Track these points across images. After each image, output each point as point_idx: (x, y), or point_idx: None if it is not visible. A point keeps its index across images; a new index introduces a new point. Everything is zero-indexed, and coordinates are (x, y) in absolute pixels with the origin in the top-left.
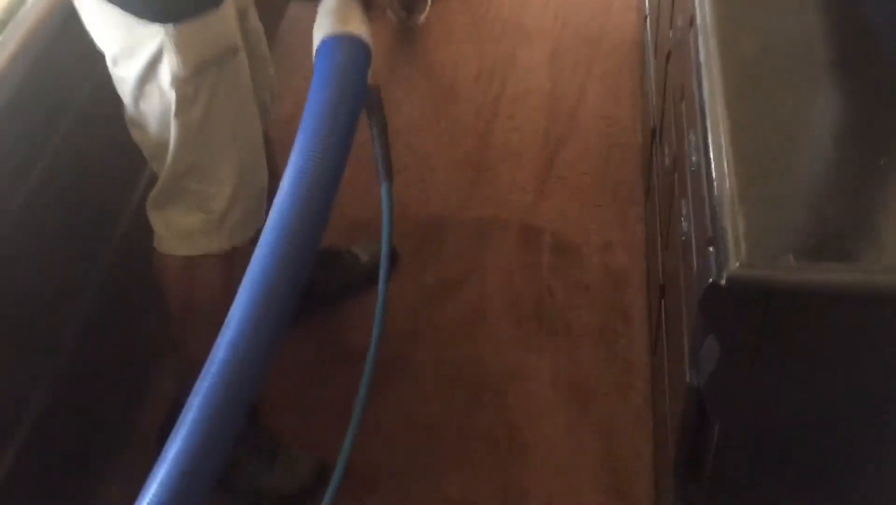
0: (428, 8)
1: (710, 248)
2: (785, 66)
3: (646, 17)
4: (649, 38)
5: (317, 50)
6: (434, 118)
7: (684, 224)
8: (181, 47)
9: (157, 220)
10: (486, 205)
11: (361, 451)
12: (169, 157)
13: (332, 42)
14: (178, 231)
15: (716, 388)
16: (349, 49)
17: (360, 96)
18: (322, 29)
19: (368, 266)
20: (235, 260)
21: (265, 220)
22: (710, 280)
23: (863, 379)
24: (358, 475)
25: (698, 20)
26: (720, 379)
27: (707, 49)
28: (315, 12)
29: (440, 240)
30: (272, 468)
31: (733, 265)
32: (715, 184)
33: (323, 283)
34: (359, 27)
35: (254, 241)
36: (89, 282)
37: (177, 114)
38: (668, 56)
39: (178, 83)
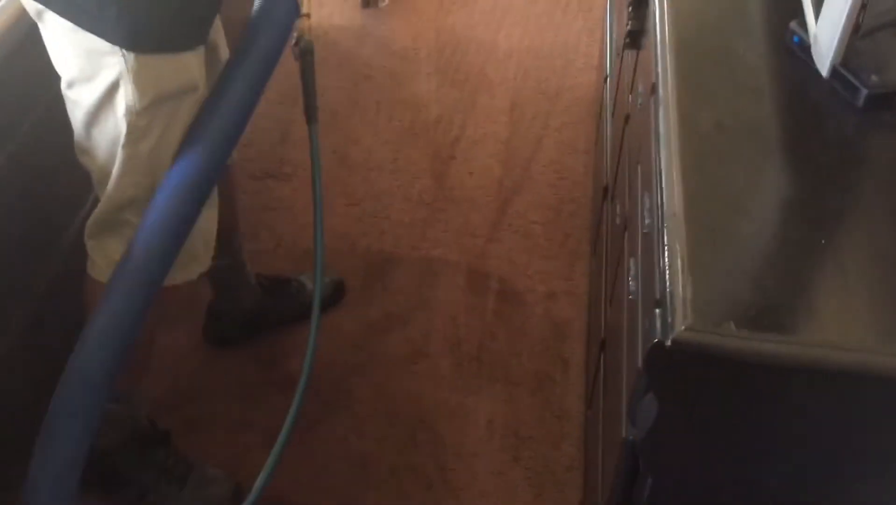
0: None
1: (657, 310)
2: (738, 142)
3: (605, 79)
4: (608, 98)
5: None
6: (391, 156)
7: (632, 283)
8: (139, 79)
9: (93, 246)
10: (437, 245)
11: (292, 478)
12: (110, 187)
13: None
14: (113, 261)
15: (651, 443)
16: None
17: (281, 41)
18: None
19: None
20: (172, 298)
21: (210, 265)
22: (656, 340)
23: (791, 444)
24: (289, 504)
25: (660, 91)
26: (656, 435)
27: (667, 119)
28: None
29: (389, 275)
30: (181, 491)
31: (679, 328)
32: (666, 248)
33: (269, 309)
34: None
35: (196, 282)
36: (31, 296)
37: (125, 145)
38: (627, 119)
39: (132, 115)
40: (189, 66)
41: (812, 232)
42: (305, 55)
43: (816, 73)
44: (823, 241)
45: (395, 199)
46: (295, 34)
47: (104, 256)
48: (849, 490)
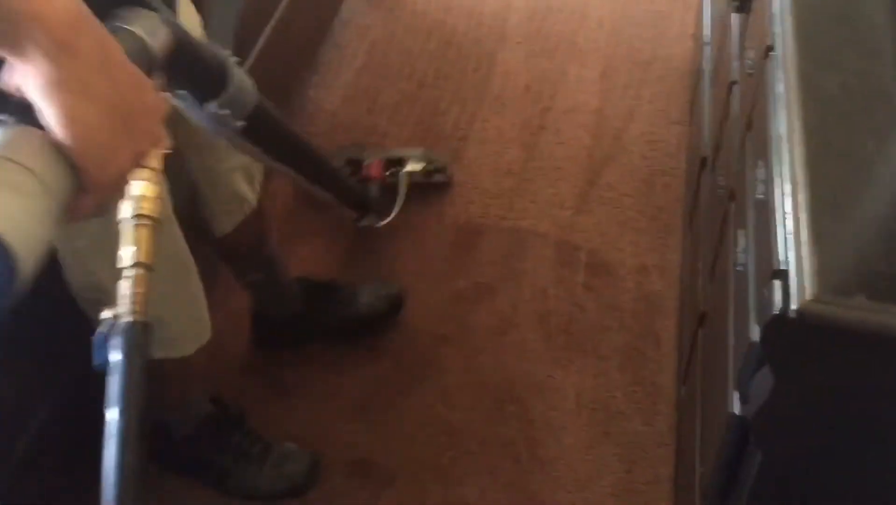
0: (394, 213)
1: (776, 281)
2: (864, 106)
3: (705, 46)
4: (707, 65)
5: None
6: (479, 125)
7: (741, 256)
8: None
9: (91, 312)
10: (526, 216)
11: (381, 447)
12: (66, 275)
13: None
14: None
15: (764, 419)
16: None
17: None
18: None
19: (368, 307)
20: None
21: (210, 332)
22: (776, 312)
23: None
24: (376, 470)
25: (778, 52)
26: (770, 410)
27: (786, 82)
28: None
29: (477, 246)
30: (262, 470)
31: (803, 299)
32: (787, 217)
33: (311, 318)
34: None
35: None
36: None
37: (60, 243)
38: (731, 86)
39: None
40: None
41: None
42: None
43: None
44: None
45: (484, 169)
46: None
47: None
48: None
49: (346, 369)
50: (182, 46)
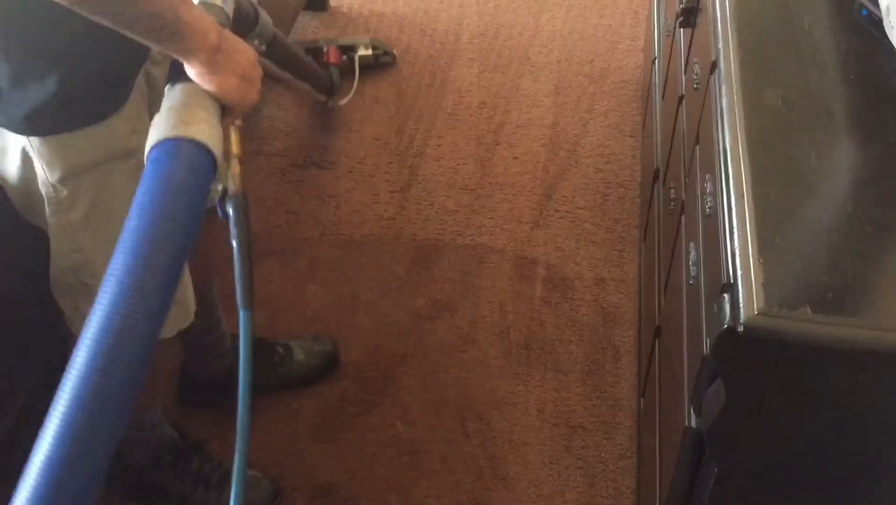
0: (353, 91)
1: (725, 295)
2: (807, 119)
3: (654, 60)
4: (657, 80)
5: (148, 155)
6: (434, 142)
7: (692, 268)
8: (44, 156)
9: (65, 304)
10: (483, 232)
11: (343, 468)
12: (52, 253)
13: (166, 146)
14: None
15: (719, 431)
16: (187, 156)
17: (196, 213)
18: (158, 129)
19: (302, 365)
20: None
21: (192, 317)
22: (725, 326)
23: (866, 435)
24: (338, 493)
25: (721, 67)
26: (724, 422)
27: (730, 97)
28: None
29: (435, 263)
30: (221, 497)
31: (750, 312)
32: (734, 230)
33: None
34: (204, 130)
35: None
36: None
37: (52, 214)
38: (680, 100)
39: (48, 186)
40: (111, 134)
41: (888, 212)
42: (238, 213)
43: (889, 46)
44: None
45: (439, 185)
46: (218, 186)
47: (76, 310)
48: None
49: (304, 391)
50: (237, 4)
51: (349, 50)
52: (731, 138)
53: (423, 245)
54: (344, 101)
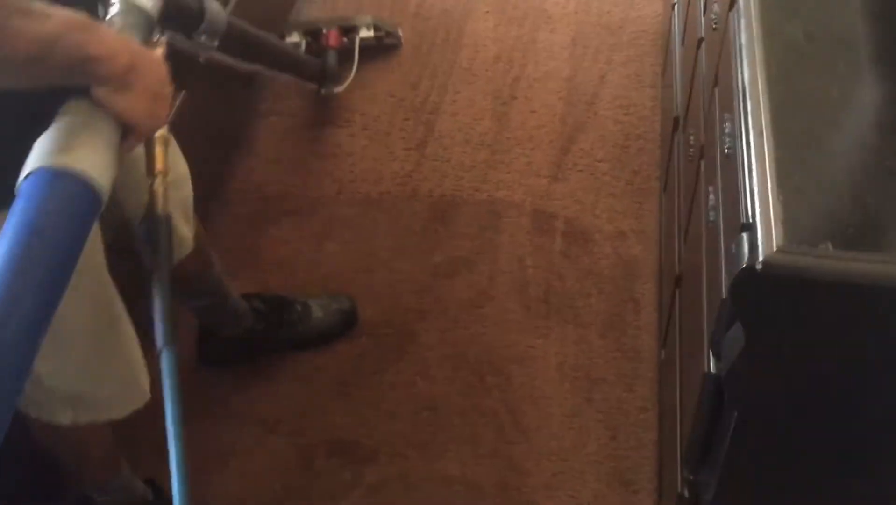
0: (351, 79)
1: (744, 234)
2: (828, 54)
3: (673, 6)
4: (677, 26)
5: (19, 185)
6: (450, 98)
7: (711, 212)
8: None
9: None
10: (500, 187)
11: (362, 425)
12: None
13: (39, 177)
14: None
15: (737, 375)
16: (62, 190)
17: (67, 257)
18: (36, 153)
19: (321, 323)
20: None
21: (147, 396)
22: (744, 265)
23: (891, 375)
24: (357, 449)
25: (740, 3)
26: (743, 366)
27: (749, 32)
28: None
29: (452, 219)
30: None
31: (769, 250)
32: (753, 168)
33: (262, 335)
34: (86, 158)
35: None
36: None
37: None
38: (699, 43)
39: None
40: None
41: None
42: (158, 238)
43: None
44: None
45: (456, 141)
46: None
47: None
48: None
49: (323, 349)
50: (168, 2)
51: (350, 31)
52: (749, 75)
53: (440, 202)
54: (340, 89)
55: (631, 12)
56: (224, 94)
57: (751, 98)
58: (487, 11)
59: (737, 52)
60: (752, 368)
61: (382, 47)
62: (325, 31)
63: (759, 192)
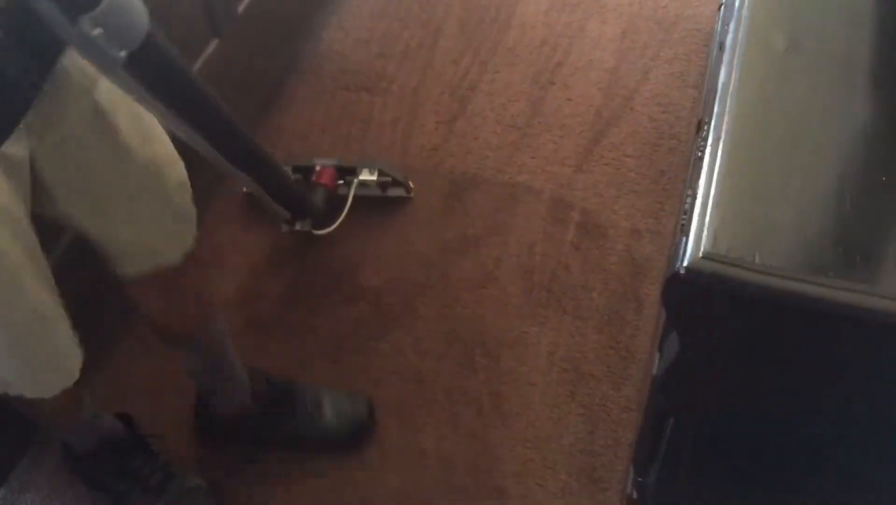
0: (337, 223)
1: (682, 238)
2: (814, 66)
3: (721, 6)
4: (718, 26)
5: None
6: (489, 77)
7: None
8: None
9: None
10: (523, 171)
11: (348, 387)
12: None
13: None
14: None
15: (670, 380)
16: None
17: None
18: None
19: (328, 430)
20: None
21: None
22: (674, 269)
23: (810, 382)
24: None
25: (735, 4)
26: (675, 371)
27: (735, 35)
28: None
29: (470, 197)
30: (157, 502)
31: (695, 255)
32: (702, 173)
33: (263, 426)
34: None
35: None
36: None
37: None
38: (721, 45)
39: None
40: None
41: (874, 169)
42: None
43: None
44: (884, 179)
45: (487, 120)
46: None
47: None
48: (863, 426)
49: (323, 310)
50: None
51: (349, 173)
52: (724, 78)
53: (461, 179)
54: (321, 232)
55: (686, 10)
56: (262, 46)
57: (719, 103)
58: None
59: (718, 55)
60: (683, 374)
61: (384, 197)
62: (318, 167)
63: (701, 196)
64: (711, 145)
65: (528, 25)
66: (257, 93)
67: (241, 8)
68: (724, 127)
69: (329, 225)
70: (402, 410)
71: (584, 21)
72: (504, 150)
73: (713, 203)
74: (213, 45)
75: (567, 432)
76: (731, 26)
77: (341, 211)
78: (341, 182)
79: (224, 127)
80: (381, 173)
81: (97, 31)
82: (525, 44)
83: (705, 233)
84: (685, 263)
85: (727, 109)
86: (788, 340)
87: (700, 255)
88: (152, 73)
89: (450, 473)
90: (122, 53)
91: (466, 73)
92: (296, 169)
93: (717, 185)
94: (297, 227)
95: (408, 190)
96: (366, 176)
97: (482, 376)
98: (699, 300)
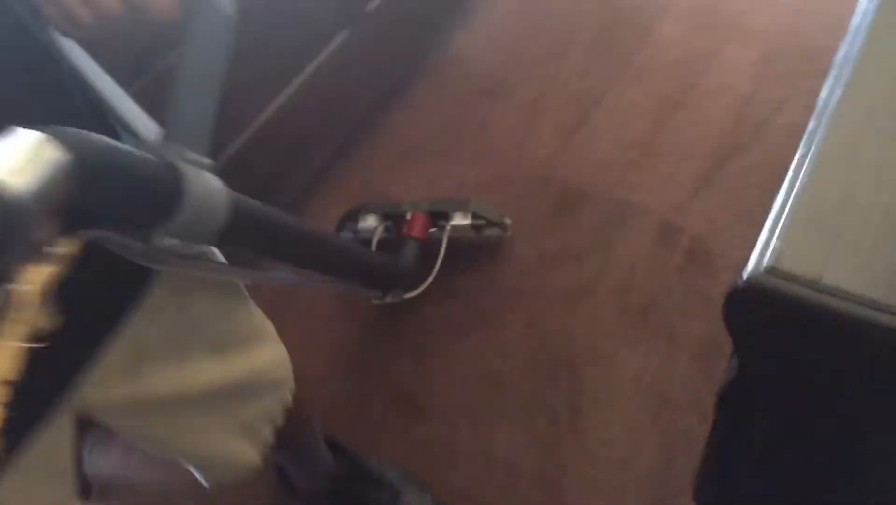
0: (427, 283)
1: (753, 253)
2: None
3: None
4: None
5: None
6: (617, 93)
7: None
8: None
9: None
10: (637, 190)
11: (427, 384)
12: None
13: None
14: None
15: (728, 399)
16: None
17: None
18: None
19: None
20: None
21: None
22: (736, 283)
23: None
24: (415, 405)
25: (855, 26)
26: (733, 390)
27: (848, 52)
28: None
29: (578, 210)
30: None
31: (756, 269)
32: (783, 187)
33: (341, 498)
34: None
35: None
36: None
37: None
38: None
39: None
40: None
41: None
42: None
43: None
44: None
45: (607, 136)
46: None
47: None
48: None
49: (417, 305)
50: (92, 170)
51: (441, 217)
52: (827, 92)
53: (572, 191)
54: (411, 295)
55: (833, 41)
56: (389, 43)
57: (815, 118)
58: (680, 15)
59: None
60: (740, 392)
61: (480, 241)
62: (409, 215)
63: (776, 210)
64: (798, 159)
65: (663, 44)
66: (378, 89)
67: (373, 4)
68: (815, 141)
69: (420, 284)
70: (475, 413)
71: (724, 44)
72: (619, 168)
73: (787, 217)
74: (340, 37)
75: (642, 458)
76: (847, 41)
77: (433, 264)
78: (433, 230)
79: (311, 249)
80: (475, 216)
81: (174, 241)
82: (658, 63)
83: (771, 247)
84: (745, 277)
85: (821, 124)
86: (848, 366)
87: (763, 269)
88: (241, 241)
89: (515, 481)
90: (205, 248)
91: (594, 87)
92: (386, 216)
93: (794, 200)
94: (388, 299)
95: (503, 228)
96: (459, 221)
97: (563, 390)
98: (757, 316)
